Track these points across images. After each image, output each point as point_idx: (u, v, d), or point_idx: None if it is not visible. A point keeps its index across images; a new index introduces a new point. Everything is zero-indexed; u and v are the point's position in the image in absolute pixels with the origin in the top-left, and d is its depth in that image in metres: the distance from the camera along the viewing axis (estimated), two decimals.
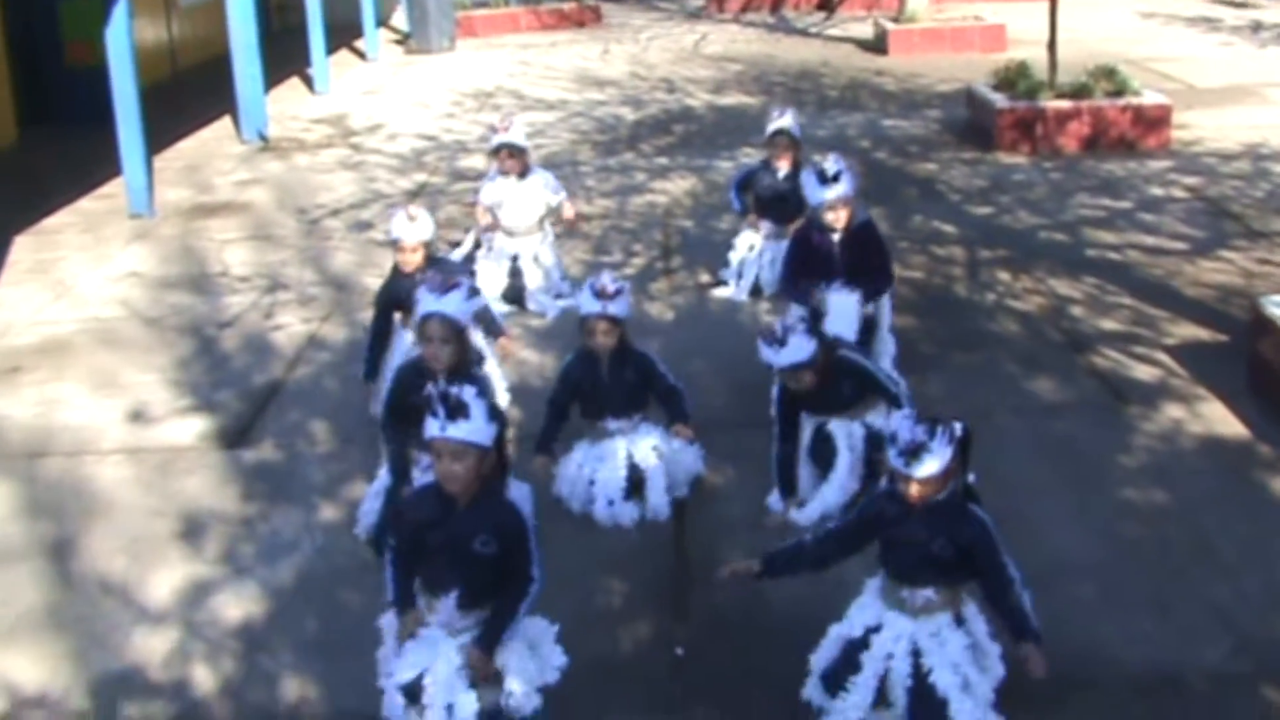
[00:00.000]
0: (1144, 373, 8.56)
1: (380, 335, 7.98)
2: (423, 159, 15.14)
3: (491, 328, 7.97)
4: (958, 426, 5.03)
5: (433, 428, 5.10)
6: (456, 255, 10.05)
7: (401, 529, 5.30)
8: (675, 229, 12.09)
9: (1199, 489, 7.12)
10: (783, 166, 10.04)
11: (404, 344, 7.72)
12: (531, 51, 23.28)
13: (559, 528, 6.86)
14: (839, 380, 6.85)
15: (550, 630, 5.62)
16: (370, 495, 6.85)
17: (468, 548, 5.13)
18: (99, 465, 7.82)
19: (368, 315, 9.52)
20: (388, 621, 5.42)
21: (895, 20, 22.03)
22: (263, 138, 16.54)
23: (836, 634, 5.38)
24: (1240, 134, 14.85)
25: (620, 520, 6.94)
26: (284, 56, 20.61)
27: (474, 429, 5.07)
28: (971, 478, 5.18)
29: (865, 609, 5.32)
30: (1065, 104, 14.51)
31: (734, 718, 5.44)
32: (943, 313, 9.75)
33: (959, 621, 5.20)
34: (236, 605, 6.33)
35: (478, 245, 10.22)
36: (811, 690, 5.39)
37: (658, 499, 7.00)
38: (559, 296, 10.00)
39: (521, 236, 10.03)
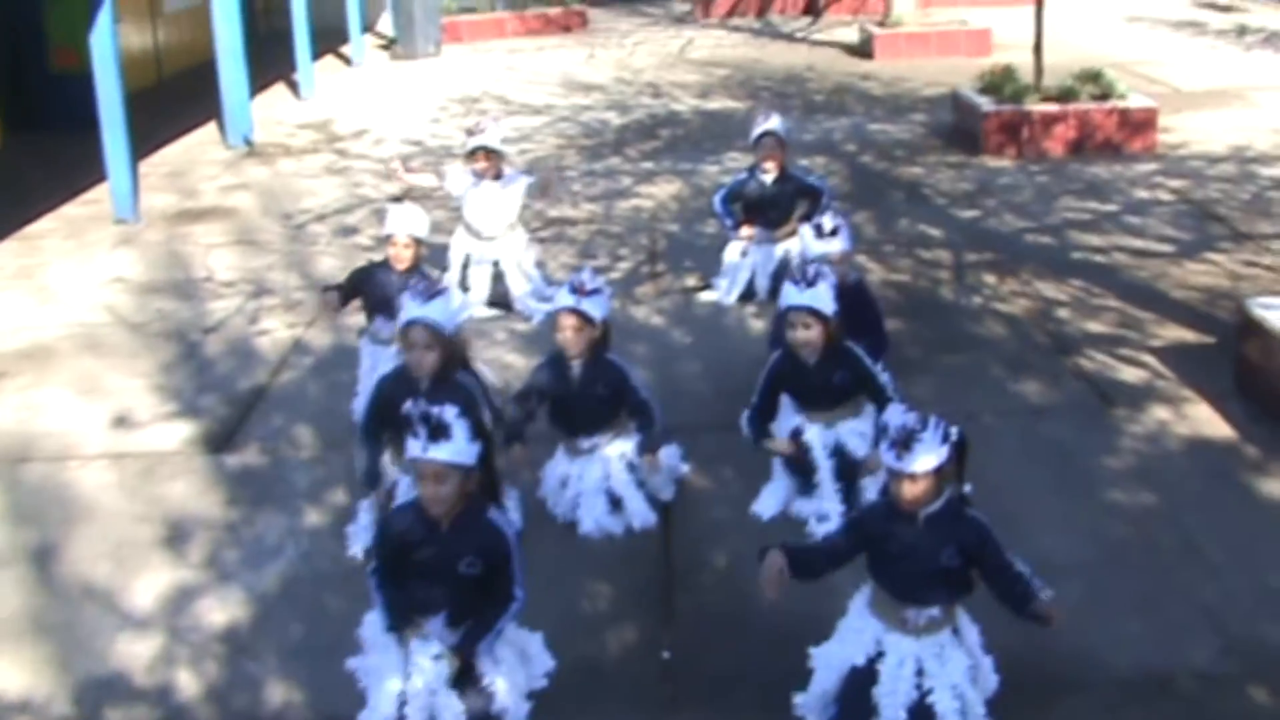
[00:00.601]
0: (1130, 375, 8.56)
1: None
2: (408, 164, 15.07)
3: None
4: (954, 430, 4.95)
5: (414, 449, 5.07)
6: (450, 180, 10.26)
7: (385, 548, 5.26)
8: (661, 233, 12.07)
9: (1186, 490, 7.11)
10: (770, 170, 10.00)
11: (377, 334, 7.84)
12: (517, 56, 23.26)
13: (545, 530, 6.87)
14: (837, 364, 6.76)
15: (535, 637, 5.63)
16: (361, 511, 6.79)
17: (453, 569, 5.13)
18: (82, 471, 7.78)
19: (353, 320, 9.53)
20: (367, 631, 5.40)
21: (881, 25, 22.04)
22: (248, 143, 16.50)
23: (828, 662, 5.28)
24: (1226, 137, 14.87)
25: (607, 531, 6.90)
26: (269, 62, 20.56)
27: (456, 449, 5.05)
28: (968, 488, 5.12)
29: (861, 633, 5.20)
30: (1051, 107, 14.51)
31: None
32: (929, 315, 9.74)
33: (956, 633, 5.16)
34: (221, 610, 6.29)
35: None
36: None
37: (640, 511, 6.93)
38: (544, 300, 9.97)
39: (500, 240, 9.99)
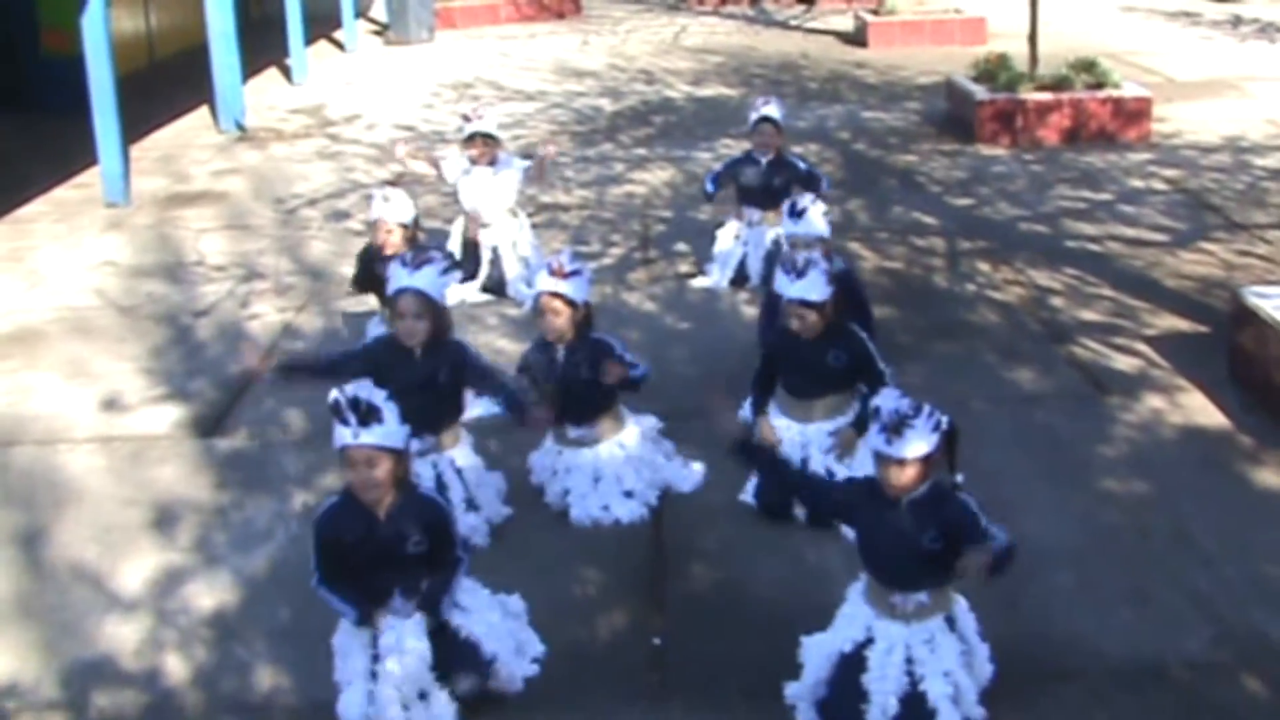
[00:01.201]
0: (1124, 363, 8.53)
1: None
2: (415, 151, 15.01)
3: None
4: (944, 419, 4.94)
5: (344, 436, 5.05)
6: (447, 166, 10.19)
7: (325, 555, 5.21)
8: (654, 219, 12.03)
9: (1179, 479, 7.09)
10: (766, 155, 9.99)
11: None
12: (511, 43, 23.20)
13: (535, 515, 6.83)
14: (833, 343, 6.70)
15: (523, 608, 5.62)
16: None
17: (401, 552, 5.15)
18: (71, 454, 7.74)
19: (344, 304, 9.53)
20: (340, 641, 5.36)
21: (875, 13, 22.01)
22: (240, 127, 16.45)
23: (820, 651, 5.25)
24: (1220, 127, 14.85)
25: (597, 520, 6.85)
26: (262, 47, 20.49)
27: (387, 433, 5.05)
28: (960, 478, 5.09)
29: (852, 620, 5.18)
30: (1045, 96, 14.49)
31: (712, 707, 5.38)
32: (922, 303, 9.71)
33: (950, 623, 5.13)
34: (209, 594, 6.26)
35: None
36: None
37: (630, 512, 6.87)
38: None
39: (496, 226, 9.96)
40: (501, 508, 6.82)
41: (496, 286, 9.91)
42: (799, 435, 6.83)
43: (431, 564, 5.21)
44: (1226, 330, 8.45)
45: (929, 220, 11.76)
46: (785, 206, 7.96)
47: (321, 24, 23.09)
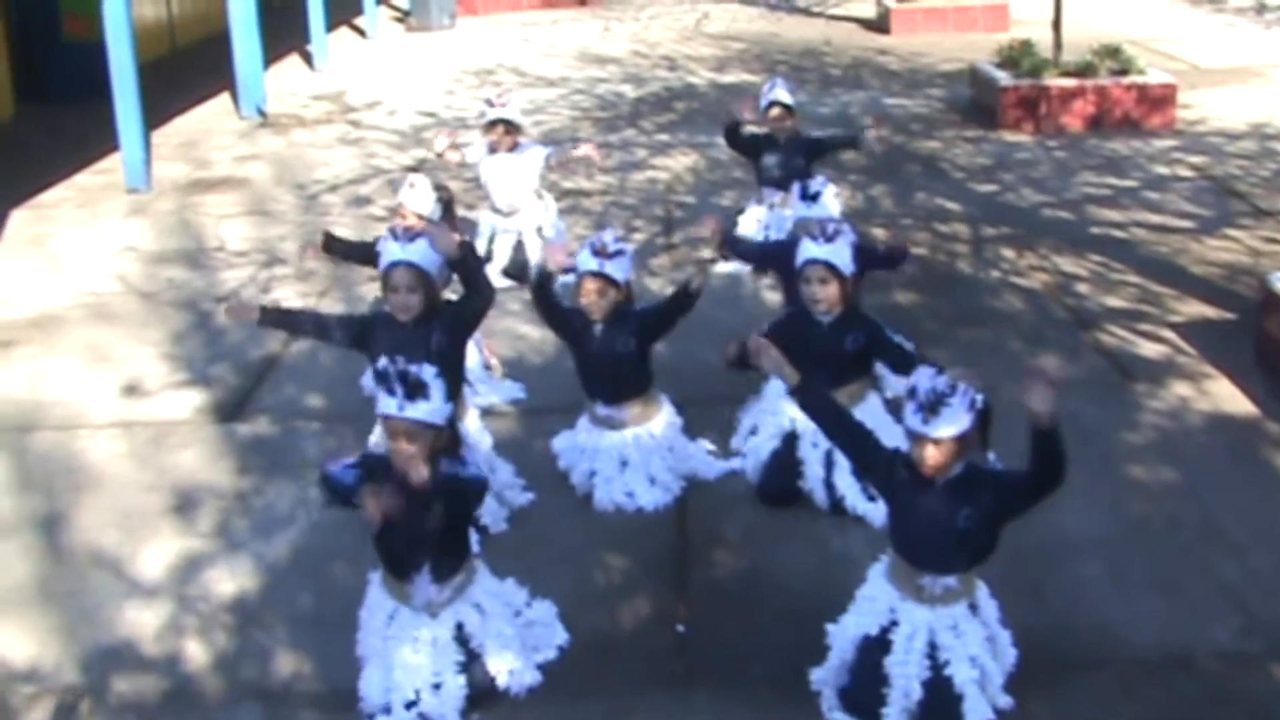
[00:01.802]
0: (1151, 350, 8.47)
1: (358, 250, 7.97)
2: (422, 135, 15.00)
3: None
4: (979, 396, 4.89)
5: (389, 406, 5.03)
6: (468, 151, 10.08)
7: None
8: (676, 205, 11.99)
9: (1207, 467, 7.03)
10: (785, 136, 9.96)
11: None
12: (533, 29, 23.15)
13: (559, 502, 6.80)
14: (850, 326, 6.59)
15: (546, 605, 5.60)
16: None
17: (429, 526, 5.13)
18: (91, 439, 7.71)
19: (366, 289, 9.51)
20: (365, 615, 5.35)
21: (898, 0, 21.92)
22: (261, 114, 16.42)
23: (844, 635, 5.20)
24: (1245, 114, 14.77)
25: (620, 506, 6.80)
26: (283, 34, 20.46)
27: (432, 410, 5.05)
28: (992, 457, 5.04)
29: (875, 601, 5.13)
30: (1069, 82, 14.40)
31: (736, 694, 5.34)
32: (947, 289, 9.65)
33: (973, 609, 5.08)
34: (230, 580, 6.23)
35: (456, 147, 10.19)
36: (831, 710, 5.22)
37: (655, 499, 6.82)
38: (568, 271, 9.89)
39: (521, 212, 9.92)
40: (521, 492, 6.78)
41: (519, 272, 9.85)
42: (813, 437, 6.68)
43: (463, 531, 5.24)
44: (1253, 317, 8.39)
45: (953, 206, 11.70)
46: (797, 189, 7.86)
47: (343, 10, 23.07)
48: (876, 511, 6.39)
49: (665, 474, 6.85)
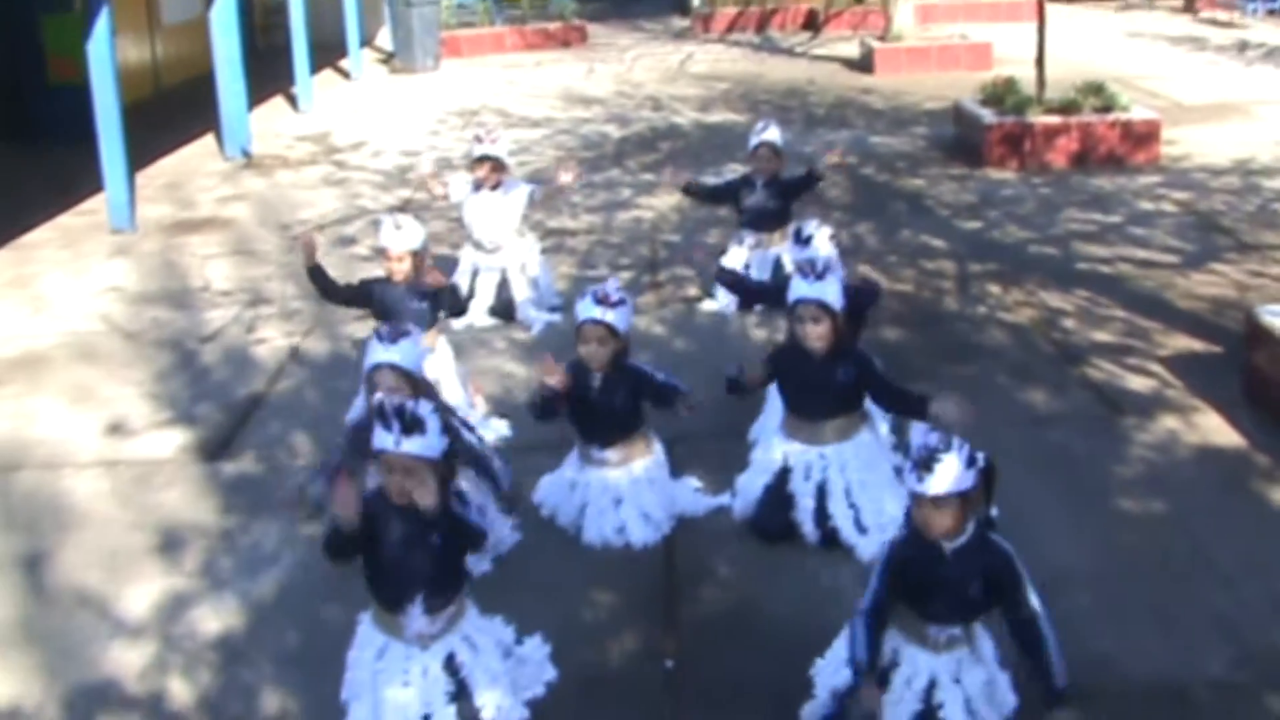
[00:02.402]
0: (1138, 384, 8.46)
1: (339, 290, 8.08)
2: (407, 175, 15.02)
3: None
4: (980, 455, 4.79)
5: (385, 441, 4.98)
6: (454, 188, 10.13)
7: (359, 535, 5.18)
8: (661, 243, 11.98)
9: (1197, 499, 7.01)
10: (764, 179, 9.96)
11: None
12: (516, 70, 23.20)
13: (545, 537, 6.76)
14: (842, 359, 6.56)
15: (535, 641, 5.54)
16: None
17: (424, 550, 5.07)
18: (75, 478, 7.66)
19: (350, 329, 9.48)
20: (354, 656, 5.30)
21: (881, 39, 22.03)
22: (246, 154, 16.42)
23: (836, 668, 5.12)
24: (1229, 150, 14.81)
25: (609, 543, 6.76)
26: (268, 75, 20.48)
27: (428, 444, 4.99)
28: (995, 512, 5.00)
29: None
30: (1054, 119, 14.45)
31: None
32: (933, 325, 9.64)
33: (974, 652, 5.03)
34: (215, 618, 6.18)
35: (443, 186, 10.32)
36: None
37: (645, 536, 6.77)
38: (553, 310, 9.90)
39: (505, 249, 9.90)
40: (509, 532, 6.73)
41: (504, 310, 9.83)
42: (807, 456, 6.70)
43: (457, 561, 5.19)
44: (1240, 350, 8.39)
45: (938, 243, 11.70)
46: (791, 232, 7.87)
47: (327, 52, 23.10)
48: (868, 544, 6.38)
49: (658, 511, 6.81)
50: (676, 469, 7.11)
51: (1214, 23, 25.82)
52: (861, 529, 6.48)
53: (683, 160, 15.29)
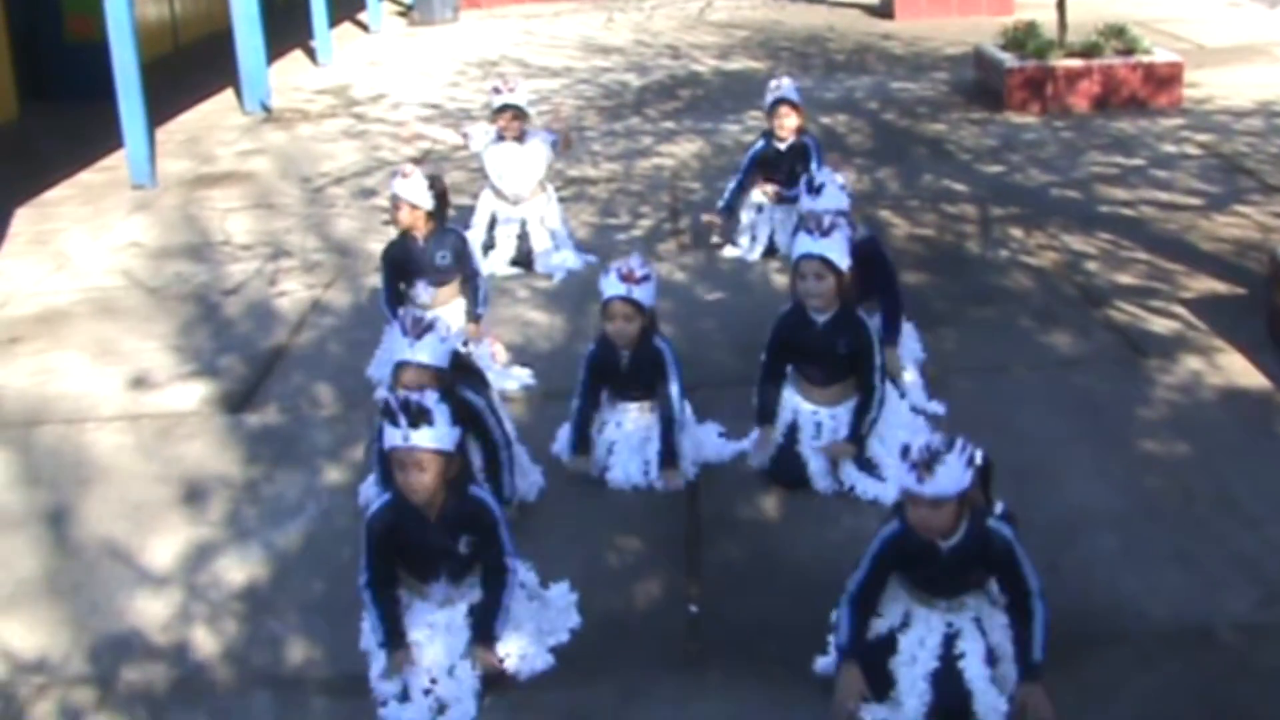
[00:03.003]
0: (1162, 326, 8.41)
1: (392, 300, 7.92)
2: (427, 126, 14.99)
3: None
4: (977, 452, 4.71)
5: (394, 437, 4.97)
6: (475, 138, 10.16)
7: (376, 554, 5.19)
8: (683, 190, 11.94)
9: (1221, 440, 6.97)
10: (786, 133, 9.86)
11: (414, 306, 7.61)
12: (535, 21, 23.12)
13: (568, 484, 6.75)
14: (843, 329, 6.53)
15: (562, 588, 5.56)
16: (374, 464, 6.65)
17: (452, 552, 5.16)
18: (99, 432, 7.68)
19: (372, 280, 9.47)
20: (372, 644, 5.31)
21: None
22: (265, 109, 16.40)
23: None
24: (1252, 92, 14.70)
25: (635, 484, 6.75)
26: (286, 30, 20.45)
27: (438, 435, 4.96)
28: (1000, 507, 4.98)
29: (893, 601, 5.02)
30: (1075, 63, 14.34)
31: (749, 674, 5.29)
32: (955, 269, 9.60)
33: (992, 601, 5.01)
34: (239, 569, 6.19)
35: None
36: None
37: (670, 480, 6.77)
38: (585, 258, 9.88)
39: (526, 201, 9.88)
40: (536, 477, 6.72)
41: (525, 260, 9.82)
42: (817, 416, 6.69)
43: (481, 560, 5.21)
44: (1264, 291, 8.34)
45: (960, 188, 11.65)
46: (803, 182, 7.83)
47: (345, 6, 23.06)
48: (888, 492, 6.34)
49: (687, 452, 6.81)
50: (698, 415, 7.08)
51: None
52: (880, 479, 6.45)
53: (703, 108, 15.26)
